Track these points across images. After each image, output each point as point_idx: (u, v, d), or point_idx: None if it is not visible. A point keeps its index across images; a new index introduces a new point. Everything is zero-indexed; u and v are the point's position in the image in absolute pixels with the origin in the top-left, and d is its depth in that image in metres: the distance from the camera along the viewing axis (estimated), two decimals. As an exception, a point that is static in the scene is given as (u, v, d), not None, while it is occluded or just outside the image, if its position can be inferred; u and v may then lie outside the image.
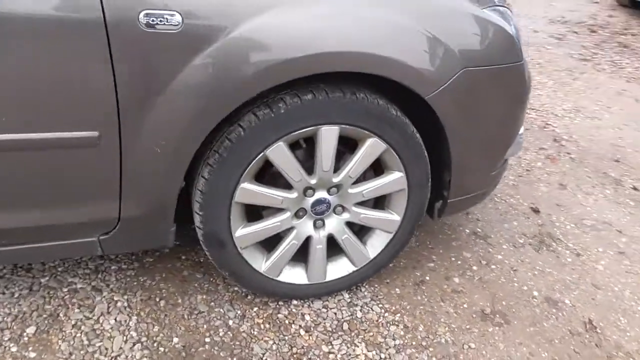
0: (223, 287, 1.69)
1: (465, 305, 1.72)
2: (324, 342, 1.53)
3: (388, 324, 1.61)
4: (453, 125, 1.49)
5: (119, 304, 1.58)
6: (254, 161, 1.36)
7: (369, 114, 1.40)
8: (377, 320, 1.62)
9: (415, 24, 1.36)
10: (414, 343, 1.55)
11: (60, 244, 1.37)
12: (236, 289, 1.69)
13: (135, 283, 1.67)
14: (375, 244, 1.66)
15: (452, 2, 1.44)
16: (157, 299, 1.61)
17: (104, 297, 1.60)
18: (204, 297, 1.64)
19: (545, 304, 1.76)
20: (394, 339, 1.56)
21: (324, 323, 1.59)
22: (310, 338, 1.54)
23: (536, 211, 2.27)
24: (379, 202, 1.64)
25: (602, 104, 3.52)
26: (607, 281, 1.91)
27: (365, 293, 1.72)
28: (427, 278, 1.82)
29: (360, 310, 1.65)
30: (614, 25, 5.53)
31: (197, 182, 1.38)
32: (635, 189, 2.54)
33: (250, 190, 1.41)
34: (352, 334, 1.56)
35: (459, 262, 1.91)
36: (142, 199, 1.34)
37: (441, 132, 1.50)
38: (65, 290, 1.61)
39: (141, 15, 1.12)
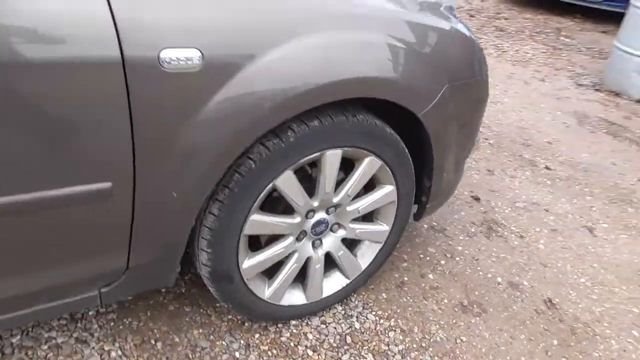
0: (216, 317, 1.63)
1: (445, 301, 1.84)
2: (334, 360, 1.55)
3: (386, 331, 1.67)
4: (437, 136, 1.56)
5: (112, 353, 1.46)
6: (263, 192, 1.33)
7: (369, 135, 1.43)
8: (375, 329, 1.67)
9: (412, 47, 1.40)
10: (414, 346, 1.64)
11: (56, 304, 1.23)
12: (230, 317, 1.64)
13: (121, 327, 1.55)
14: (366, 255, 1.70)
15: (440, 22, 1.50)
16: (152, 341, 1.52)
17: (93, 348, 1.47)
18: (201, 331, 1.58)
19: (509, 289, 1.94)
20: (396, 345, 1.62)
21: (328, 339, 1.61)
22: (320, 357, 1.55)
23: (477, 199, 2.46)
24: (367, 215, 1.68)
25: (499, 88, 3.85)
26: (550, 259, 2.14)
27: (356, 302, 1.76)
28: (406, 278, 1.91)
29: (357, 321, 1.69)
30: (488, 10, 6.02)
31: (204, 219, 1.31)
32: (547, 168, 2.85)
33: (259, 221, 1.37)
34: (357, 346, 1.60)
35: (428, 258, 2.03)
36: (153, 245, 1.25)
37: (425, 143, 1.57)
38: (45, 347, 1.45)
39: (162, 54, 1.03)
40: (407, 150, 1.55)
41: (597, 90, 4.13)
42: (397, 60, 1.37)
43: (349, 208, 1.54)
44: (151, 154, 1.10)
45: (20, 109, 0.95)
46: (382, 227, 1.66)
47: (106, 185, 1.09)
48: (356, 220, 1.61)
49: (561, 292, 1.97)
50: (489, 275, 1.99)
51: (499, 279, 1.98)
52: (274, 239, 1.49)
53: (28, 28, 0.92)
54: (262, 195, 1.33)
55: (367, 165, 1.48)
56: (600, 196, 2.66)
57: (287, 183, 1.36)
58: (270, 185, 1.33)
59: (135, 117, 1.05)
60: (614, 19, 6.13)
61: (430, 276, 1.94)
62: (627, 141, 3.34)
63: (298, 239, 1.51)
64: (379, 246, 1.69)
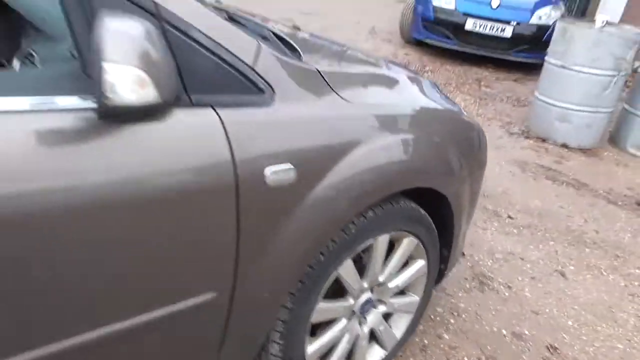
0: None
1: (466, 359, 1.97)
2: None
3: (426, 396, 1.77)
4: (458, 210, 1.73)
5: None
6: (328, 281, 1.42)
7: (409, 218, 1.57)
8: (415, 396, 1.77)
9: (446, 138, 1.59)
10: (454, 408, 1.75)
11: None
12: (280, 402, 1.67)
13: None
14: (400, 325, 1.81)
15: (456, 112, 1.70)
16: None
17: None
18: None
19: (515, 339, 2.12)
20: (439, 410, 1.73)
21: (377, 413, 1.68)
22: None
23: (462, 254, 2.66)
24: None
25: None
26: (539, 305, 2.36)
27: (391, 371, 1.85)
28: (426, 341, 2.03)
29: (397, 390, 1.78)
30: (414, 64, 6.48)
31: (279, 312, 1.37)
32: (510, 217, 3.13)
33: (323, 309, 1.45)
34: (405, 415, 1.69)
35: (438, 319, 2.17)
36: (240, 341, 1.29)
37: (446, 217, 1.74)
38: None
39: (266, 171, 1.12)
40: (434, 227, 1.70)
41: (526, 137, 4.57)
42: (440, 152, 1.54)
43: (390, 285, 1.66)
44: (251, 260, 1.17)
45: (139, 234, 0.99)
46: (414, 298, 1.79)
47: (211, 295, 1.14)
48: (394, 294, 1.72)
49: (557, 336, 2.18)
50: (494, 329, 2.16)
51: (504, 331, 2.15)
52: (326, 322, 1.56)
53: (153, 159, 0.97)
54: (327, 284, 1.41)
55: (407, 245, 1.61)
56: (560, 240, 2.96)
57: (347, 270, 1.45)
58: (335, 274, 1.42)
59: (242, 228, 1.12)
60: (522, 67, 6.85)
61: (446, 336, 2.08)
62: (565, 184, 3.73)
63: (348, 320, 1.59)
64: (411, 316, 1.81)
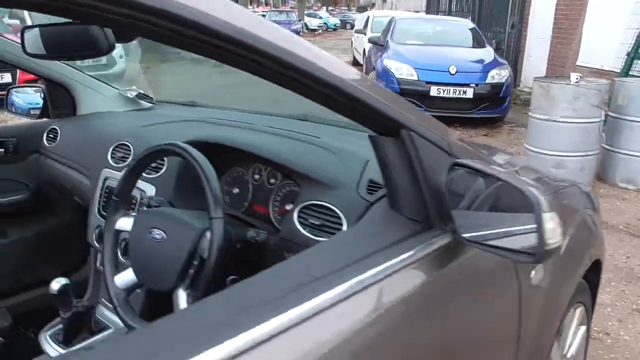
0: None
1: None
2: None
3: None
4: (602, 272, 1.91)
5: None
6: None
7: (582, 290, 1.72)
8: None
9: (593, 212, 1.78)
10: None
11: None
12: None
13: None
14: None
15: (582, 187, 1.91)
16: None
17: None
18: None
19: (644, 383, 2.26)
20: None
21: None
22: None
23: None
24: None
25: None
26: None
27: None
28: (576, 401, 2.13)
29: None
30: (394, 134, 6.84)
31: None
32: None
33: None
34: None
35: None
36: None
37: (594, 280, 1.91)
38: None
39: (532, 274, 1.25)
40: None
41: (529, 187, 4.91)
42: (596, 222, 1.73)
43: (568, 355, 1.77)
44: (523, 351, 1.28)
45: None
46: (577, 363, 1.91)
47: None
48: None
49: (675, 372, 2.34)
50: (622, 376, 2.30)
51: (630, 377, 2.30)
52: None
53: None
54: (545, 364, 1.52)
55: (579, 314, 1.75)
56: (617, 279, 3.19)
57: (554, 348, 1.57)
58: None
59: (522, 326, 1.25)
60: (484, 123, 7.40)
61: (588, 393, 2.19)
62: (587, 226, 4.03)
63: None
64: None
